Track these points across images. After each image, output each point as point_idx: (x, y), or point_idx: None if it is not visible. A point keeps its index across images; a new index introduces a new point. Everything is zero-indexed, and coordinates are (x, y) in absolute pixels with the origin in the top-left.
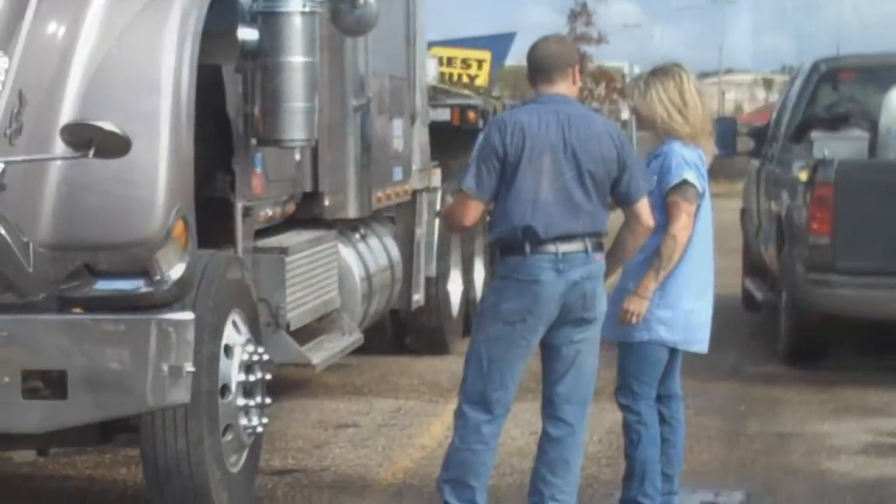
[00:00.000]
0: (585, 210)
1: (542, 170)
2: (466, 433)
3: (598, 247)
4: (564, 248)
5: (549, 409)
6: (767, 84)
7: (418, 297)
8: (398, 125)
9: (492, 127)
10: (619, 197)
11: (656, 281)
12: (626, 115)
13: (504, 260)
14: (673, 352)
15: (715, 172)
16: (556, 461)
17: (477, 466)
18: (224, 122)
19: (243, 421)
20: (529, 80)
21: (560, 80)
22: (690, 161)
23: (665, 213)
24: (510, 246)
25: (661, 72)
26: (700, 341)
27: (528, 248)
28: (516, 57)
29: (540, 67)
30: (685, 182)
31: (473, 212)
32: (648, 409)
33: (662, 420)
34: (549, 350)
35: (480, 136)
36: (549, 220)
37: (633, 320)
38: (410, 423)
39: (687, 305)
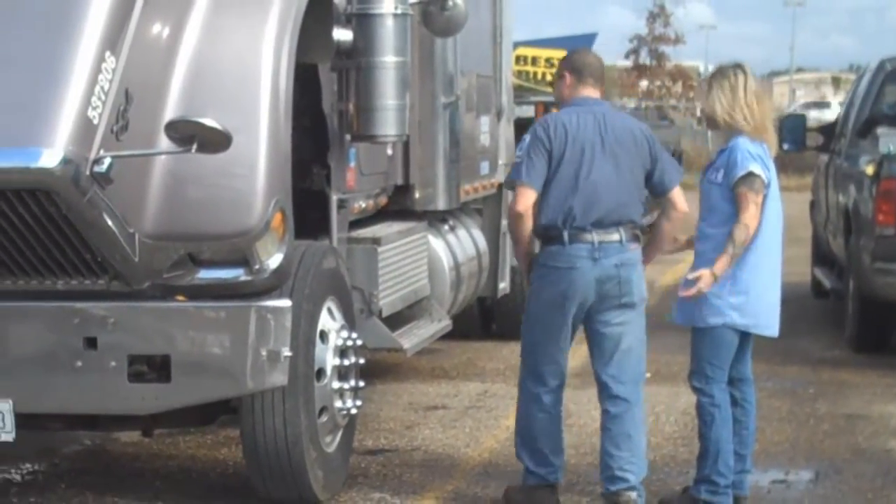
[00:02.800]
0: (621, 201)
1: (583, 162)
2: (528, 403)
3: (634, 237)
4: (600, 237)
5: (605, 391)
6: (836, 82)
7: (504, 285)
8: (485, 121)
9: (537, 126)
10: (654, 187)
11: (729, 262)
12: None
13: (546, 249)
14: (744, 336)
15: (785, 166)
16: (619, 435)
17: (544, 433)
18: (320, 119)
19: (338, 403)
20: (571, 81)
21: (600, 86)
22: (755, 154)
23: (733, 203)
24: (551, 236)
25: (720, 72)
26: (771, 325)
27: (566, 237)
28: None
29: (592, 72)
30: (751, 174)
31: (525, 199)
32: (721, 391)
33: (735, 402)
34: (593, 335)
35: (526, 137)
36: (587, 210)
37: (694, 291)
38: (496, 405)
39: (758, 291)
